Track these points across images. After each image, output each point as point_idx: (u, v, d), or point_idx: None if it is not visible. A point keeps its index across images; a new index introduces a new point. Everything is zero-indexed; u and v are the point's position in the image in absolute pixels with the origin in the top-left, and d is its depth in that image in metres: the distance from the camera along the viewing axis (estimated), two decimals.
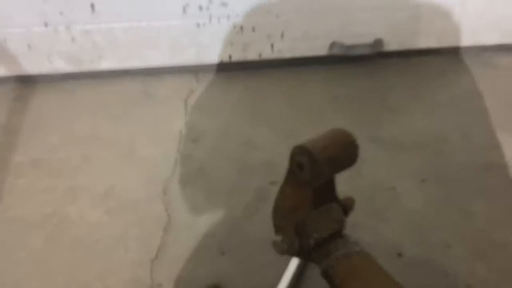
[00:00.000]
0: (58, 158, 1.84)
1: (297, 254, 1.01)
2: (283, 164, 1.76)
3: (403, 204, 1.62)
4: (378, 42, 2.53)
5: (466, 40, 2.63)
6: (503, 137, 1.95)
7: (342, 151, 0.91)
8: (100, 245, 1.46)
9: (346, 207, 1.06)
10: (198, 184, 1.71)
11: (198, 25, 2.34)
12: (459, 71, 2.51)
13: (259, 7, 2.33)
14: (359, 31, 2.49)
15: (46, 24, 2.23)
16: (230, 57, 2.45)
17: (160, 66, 2.44)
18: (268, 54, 2.47)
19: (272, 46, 2.45)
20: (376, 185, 1.70)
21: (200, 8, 2.29)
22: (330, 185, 1.02)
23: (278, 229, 1.02)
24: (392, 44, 2.56)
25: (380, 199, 1.64)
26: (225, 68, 2.47)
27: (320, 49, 2.51)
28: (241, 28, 2.37)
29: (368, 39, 2.52)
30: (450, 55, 2.64)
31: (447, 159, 1.83)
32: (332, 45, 2.50)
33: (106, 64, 2.39)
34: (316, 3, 2.35)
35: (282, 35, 2.43)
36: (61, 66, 2.36)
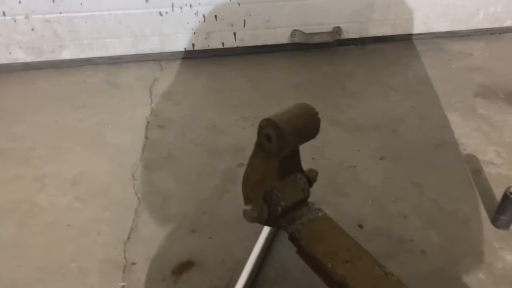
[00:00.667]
0: (25, 148, 1.83)
1: (265, 222, 1.07)
2: (249, 147, 1.82)
3: (362, 180, 1.72)
4: (337, 30, 2.63)
5: (419, 27, 2.77)
6: (453, 117, 2.08)
7: (306, 123, 0.99)
8: (72, 229, 1.48)
9: (310, 178, 1.14)
10: (167, 168, 1.75)
11: (160, 13, 2.36)
12: (413, 57, 2.64)
13: None
14: (319, 20, 2.58)
15: (4, 14, 2.20)
16: (193, 45, 2.49)
17: (123, 55, 2.45)
18: (231, 42, 2.53)
19: (234, 34, 2.51)
20: (338, 165, 1.79)
21: None
22: (295, 157, 1.09)
23: (247, 199, 1.08)
24: (350, 32, 2.67)
25: (341, 177, 1.73)
26: (189, 57, 2.51)
27: (281, 37, 2.59)
28: (204, 16, 2.41)
29: (328, 27, 2.62)
30: (404, 42, 2.78)
31: (403, 139, 1.95)
32: (293, 33, 2.58)
33: (68, 54, 2.39)
34: None
35: (244, 24, 2.49)
36: (21, 56, 2.33)
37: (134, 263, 1.37)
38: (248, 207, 1.05)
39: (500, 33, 2.90)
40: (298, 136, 0.97)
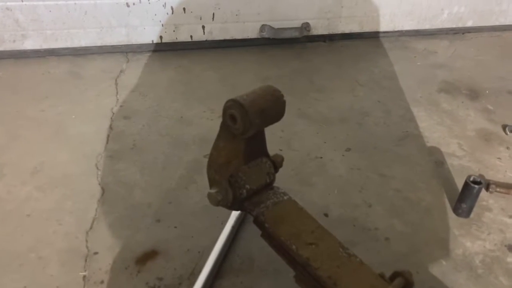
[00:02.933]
0: None
1: (230, 205, 1.07)
2: None
3: (328, 171, 1.73)
4: (306, 26, 2.65)
5: (386, 25, 2.82)
6: (417, 111, 2.13)
7: (271, 105, 0.98)
8: (31, 219, 1.43)
9: (276, 162, 1.13)
10: (132, 159, 1.72)
11: (127, 4, 2.32)
12: (380, 54, 2.69)
13: None
14: (288, 15, 2.60)
15: None
16: (161, 38, 2.46)
17: (89, 46, 2.40)
18: (199, 35, 2.51)
19: (203, 27, 2.49)
20: (305, 156, 1.80)
21: None
22: (260, 140, 1.09)
23: (212, 182, 1.07)
24: (318, 28, 2.70)
25: (308, 168, 1.74)
26: (157, 49, 2.47)
27: (250, 31, 2.59)
28: (172, 8, 2.39)
29: (296, 23, 2.63)
30: (371, 39, 2.83)
31: (369, 131, 1.98)
32: (262, 28, 2.58)
33: (30, 44, 2.31)
34: None
35: (213, 17, 2.47)
36: None
37: (96, 253, 1.34)
38: (213, 190, 1.04)
39: (463, 33, 2.99)
40: (263, 117, 0.96)
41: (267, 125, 1.01)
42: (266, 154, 1.12)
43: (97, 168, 1.66)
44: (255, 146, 1.08)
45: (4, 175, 1.59)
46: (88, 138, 1.81)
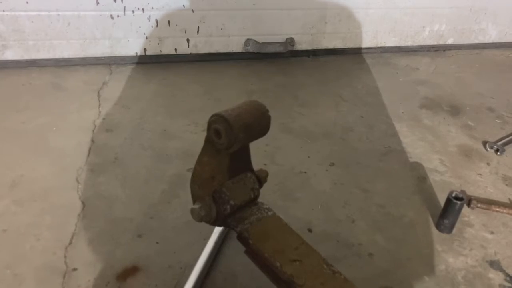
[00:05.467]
0: None
1: (214, 221, 1.05)
2: None
3: (312, 186, 1.73)
4: (290, 41, 2.67)
5: (369, 41, 2.86)
6: (399, 127, 2.15)
7: (256, 120, 0.98)
8: (8, 234, 1.39)
9: (260, 178, 1.12)
10: (113, 172, 1.69)
11: (112, 16, 2.31)
12: (363, 70, 2.72)
13: (175, 1, 2.36)
14: (272, 30, 2.62)
15: None
16: (145, 50, 2.45)
17: (72, 57, 2.37)
18: (184, 49, 2.51)
19: (188, 41, 2.49)
20: (289, 170, 1.79)
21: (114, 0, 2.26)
22: (245, 155, 1.08)
23: (196, 197, 1.05)
24: (302, 44, 2.72)
25: (291, 182, 1.73)
26: (140, 61, 2.46)
27: (235, 45, 2.59)
28: (157, 21, 2.38)
29: (281, 38, 2.65)
30: (354, 55, 2.86)
31: (352, 146, 1.99)
32: (247, 42, 2.59)
33: (11, 54, 2.28)
34: (230, 0, 2.43)
35: (198, 31, 2.47)
36: None
37: (75, 269, 1.30)
38: (197, 206, 1.02)
39: (444, 50, 3.05)
40: (248, 132, 0.96)
41: (252, 140, 1.00)
42: (251, 169, 1.12)
43: (78, 181, 1.62)
44: (240, 161, 1.07)
45: None
46: (69, 151, 1.78)
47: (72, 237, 1.40)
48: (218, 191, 1.03)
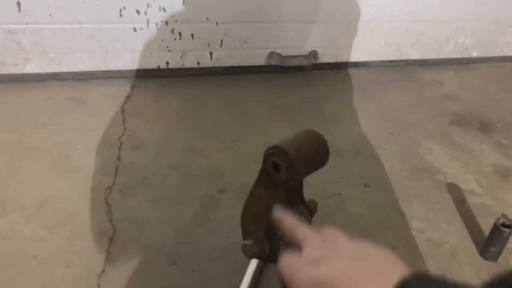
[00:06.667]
0: None
1: (266, 257, 0.99)
2: (230, 172, 1.75)
3: (348, 209, 1.67)
4: (313, 54, 2.61)
5: (392, 55, 2.80)
6: (430, 145, 2.09)
7: (315, 152, 0.92)
8: (37, 261, 1.33)
9: (311, 209, 1.06)
10: (142, 193, 1.63)
11: (134, 29, 2.26)
12: (387, 83, 2.66)
13: (199, 14, 2.31)
14: (296, 43, 2.56)
15: None
16: (167, 63, 2.40)
17: (93, 70, 2.32)
18: (207, 62, 2.46)
19: (211, 54, 2.44)
20: (322, 192, 1.73)
21: (138, 12, 2.22)
22: (299, 187, 1.02)
23: (247, 232, 0.99)
24: (326, 56, 2.66)
25: (327, 205, 1.67)
26: (163, 75, 2.41)
27: (258, 58, 2.54)
28: (180, 34, 2.33)
29: (304, 50, 2.60)
30: (378, 68, 2.80)
31: (385, 165, 1.92)
32: (270, 55, 2.54)
33: (33, 68, 2.23)
34: (254, 13, 2.38)
35: (221, 44, 2.42)
36: None
37: None
38: (249, 242, 0.96)
39: (468, 63, 2.98)
40: (308, 165, 0.90)
41: (311, 173, 0.94)
42: (303, 201, 1.05)
43: (107, 203, 1.57)
44: (294, 194, 1.01)
45: (6, 211, 1.49)
46: (95, 170, 1.72)
47: (104, 264, 1.35)
48: (272, 227, 0.96)
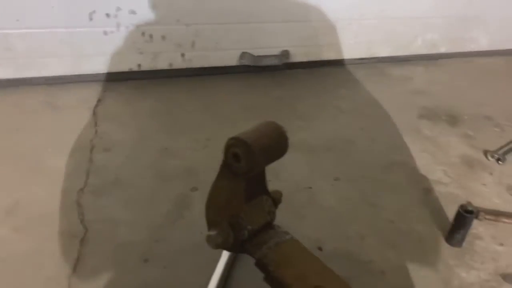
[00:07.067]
0: None
1: (231, 247, 1.01)
2: (203, 170, 1.76)
3: (319, 202, 1.70)
4: (285, 54, 2.65)
5: (363, 52, 2.86)
6: (400, 138, 2.14)
7: (275, 142, 0.95)
8: (8, 264, 1.33)
9: (275, 199, 1.09)
10: (115, 194, 1.64)
11: (105, 33, 2.26)
12: (358, 81, 2.71)
13: (169, 16, 2.32)
14: (267, 43, 2.59)
15: None
16: (139, 66, 2.41)
17: (64, 75, 2.31)
18: (179, 63, 2.47)
19: (182, 55, 2.45)
20: (294, 187, 1.76)
21: (108, 15, 2.22)
22: (261, 178, 1.05)
23: (212, 223, 1.02)
24: (298, 56, 2.70)
25: (298, 199, 1.70)
26: (135, 77, 2.41)
27: (230, 59, 2.56)
28: (151, 36, 2.34)
29: (276, 50, 2.63)
30: (349, 66, 2.85)
31: (355, 160, 1.96)
32: (242, 55, 2.56)
33: (2, 73, 2.21)
34: (225, 14, 2.41)
35: (193, 45, 2.44)
36: None
37: None
38: (213, 233, 0.98)
39: (437, 59, 3.06)
40: (267, 155, 0.93)
41: (271, 163, 0.97)
42: (266, 192, 1.08)
43: (78, 205, 1.57)
44: (256, 184, 1.03)
45: None
46: (67, 173, 1.72)
47: (75, 265, 1.35)
48: (235, 216, 0.99)
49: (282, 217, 1.57)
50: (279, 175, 1.80)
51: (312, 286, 0.94)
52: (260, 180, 1.05)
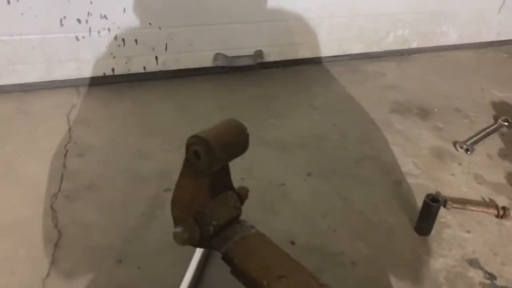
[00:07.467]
0: None
1: (197, 243, 1.04)
2: (177, 171, 1.77)
3: (292, 197, 1.73)
4: (259, 53, 2.68)
5: (336, 50, 2.91)
6: (371, 133, 2.19)
7: (235, 138, 0.97)
8: None
9: (241, 195, 1.12)
10: (89, 198, 1.65)
11: (77, 38, 2.27)
12: (332, 78, 2.75)
13: (141, 19, 2.34)
14: (241, 43, 2.62)
15: None
16: (113, 70, 2.42)
17: (37, 82, 2.31)
18: (153, 66, 2.48)
19: (156, 58, 2.47)
20: (267, 184, 1.79)
21: (79, 21, 2.23)
22: (225, 174, 1.07)
23: (177, 220, 1.04)
24: (272, 55, 2.74)
25: (271, 195, 1.73)
26: (109, 81, 2.42)
27: (204, 60, 2.59)
28: (123, 40, 2.35)
29: (250, 50, 2.66)
30: (323, 64, 2.89)
31: (328, 155, 2.00)
32: (216, 56, 2.59)
33: None
34: (198, 16, 2.43)
35: (166, 48, 2.46)
36: None
37: None
38: (179, 229, 1.01)
39: (409, 54, 3.12)
40: (227, 151, 0.95)
41: (231, 159, 1.00)
42: (231, 187, 1.11)
43: (52, 210, 1.58)
44: (220, 180, 1.06)
45: None
46: (40, 179, 1.72)
47: (49, 268, 1.36)
48: (200, 213, 1.01)
49: (256, 214, 1.62)
50: (252, 173, 1.84)
51: (276, 276, 0.97)
52: (224, 176, 1.08)
